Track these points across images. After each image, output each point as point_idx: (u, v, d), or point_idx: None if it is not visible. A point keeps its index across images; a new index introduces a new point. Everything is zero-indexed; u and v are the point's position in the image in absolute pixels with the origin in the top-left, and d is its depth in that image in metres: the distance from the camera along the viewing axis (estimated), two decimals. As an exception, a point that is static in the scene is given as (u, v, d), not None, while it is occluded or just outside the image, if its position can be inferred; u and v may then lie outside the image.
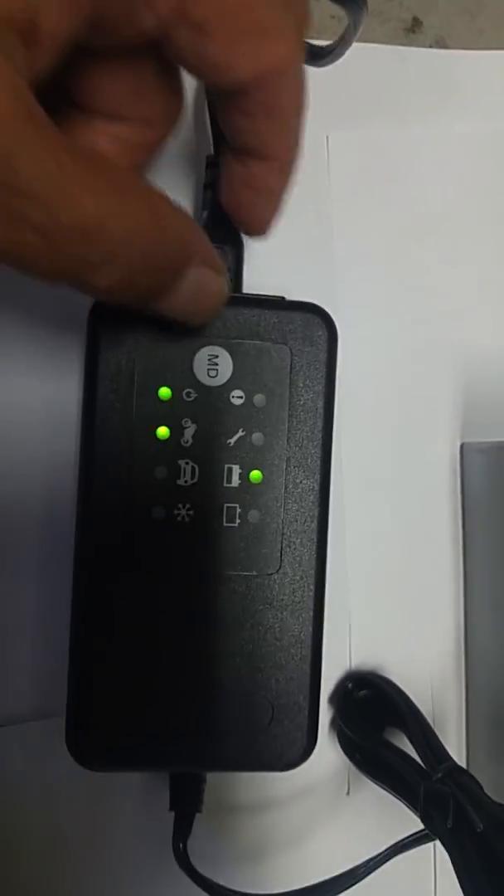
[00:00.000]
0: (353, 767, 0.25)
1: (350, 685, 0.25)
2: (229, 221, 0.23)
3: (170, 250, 0.16)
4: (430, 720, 0.25)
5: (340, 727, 0.25)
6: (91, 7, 0.13)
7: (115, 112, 0.17)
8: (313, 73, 0.24)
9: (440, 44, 0.27)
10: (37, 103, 0.13)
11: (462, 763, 0.26)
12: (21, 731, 0.24)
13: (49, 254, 0.14)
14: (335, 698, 0.25)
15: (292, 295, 0.25)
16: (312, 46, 0.23)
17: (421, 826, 0.20)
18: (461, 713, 0.26)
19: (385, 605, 0.26)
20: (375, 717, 0.25)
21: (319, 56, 0.21)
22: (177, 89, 0.18)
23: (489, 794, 0.20)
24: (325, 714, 0.25)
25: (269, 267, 0.25)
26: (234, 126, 0.17)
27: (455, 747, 0.26)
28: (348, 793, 0.25)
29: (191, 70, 0.16)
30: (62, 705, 0.21)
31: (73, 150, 0.14)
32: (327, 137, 0.26)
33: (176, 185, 0.25)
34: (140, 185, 0.16)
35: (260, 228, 0.20)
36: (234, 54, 0.15)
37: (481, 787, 0.19)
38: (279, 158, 0.18)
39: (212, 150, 0.23)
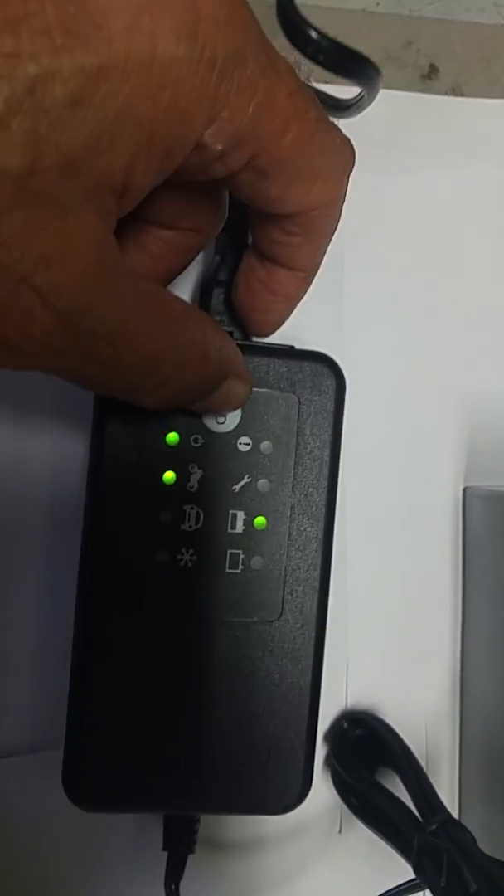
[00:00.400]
0: (345, 806, 0.25)
1: (345, 724, 0.26)
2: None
3: (211, 377, 0.18)
4: (423, 762, 0.25)
5: (334, 766, 0.25)
6: (174, 165, 0.14)
7: (169, 223, 0.18)
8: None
9: (456, 91, 0.27)
10: (118, 250, 0.14)
11: (454, 805, 0.26)
12: (17, 763, 0.24)
13: (107, 382, 0.16)
14: (330, 736, 0.26)
15: (300, 334, 0.25)
16: (333, 99, 0.23)
17: (413, 875, 0.20)
18: (455, 755, 0.26)
19: (383, 646, 0.26)
20: (369, 758, 0.25)
21: (340, 109, 0.21)
22: (222, 201, 0.19)
23: (480, 837, 0.20)
24: (319, 751, 0.25)
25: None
26: (270, 237, 0.19)
27: (448, 789, 0.26)
28: (340, 831, 0.26)
29: (243, 199, 0.17)
30: (59, 738, 0.21)
31: (140, 290, 0.15)
32: (342, 180, 0.26)
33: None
34: (192, 321, 0.17)
35: (268, 330, 0.22)
36: (288, 192, 0.17)
37: (475, 841, 0.19)
38: (305, 271, 0.20)
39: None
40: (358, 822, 0.24)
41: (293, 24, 0.16)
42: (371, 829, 0.22)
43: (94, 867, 0.24)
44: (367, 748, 0.25)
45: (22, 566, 0.24)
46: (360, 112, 0.21)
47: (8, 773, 0.24)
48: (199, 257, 0.25)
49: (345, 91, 0.23)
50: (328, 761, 0.26)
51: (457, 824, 0.19)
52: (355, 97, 0.21)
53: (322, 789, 0.25)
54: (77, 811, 0.21)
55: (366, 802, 0.22)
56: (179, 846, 0.22)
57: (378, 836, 0.22)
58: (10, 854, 0.24)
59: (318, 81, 0.25)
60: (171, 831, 0.22)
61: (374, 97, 0.19)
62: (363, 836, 0.24)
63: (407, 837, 0.20)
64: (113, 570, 0.21)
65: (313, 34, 0.16)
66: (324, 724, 0.26)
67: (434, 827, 0.19)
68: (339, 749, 0.25)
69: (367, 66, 0.17)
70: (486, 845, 0.20)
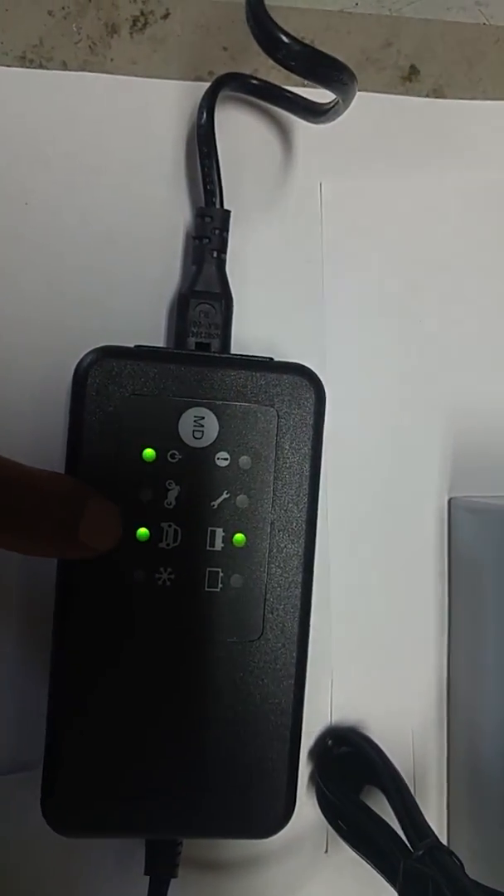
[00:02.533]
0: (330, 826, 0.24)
1: (330, 742, 0.25)
2: (218, 276, 0.23)
3: None
4: (410, 780, 0.25)
5: (319, 784, 0.25)
6: None
7: None
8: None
9: (438, 93, 0.26)
10: None
11: (443, 824, 0.26)
12: (-3, 784, 0.23)
13: None
14: (314, 754, 0.25)
15: (280, 344, 0.25)
16: (309, 103, 0.22)
17: (398, 898, 0.20)
18: (443, 772, 0.26)
19: (368, 660, 0.26)
20: (355, 775, 0.24)
21: (316, 114, 0.21)
22: None
23: (469, 861, 0.20)
24: (303, 769, 0.24)
25: (257, 316, 0.25)
26: None
27: (436, 808, 0.26)
28: (327, 851, 0.25)
29: None
30: (37, 758, 0.21)
31: None
32: (320, 185, 0.25)
33: (164, 237, 0.24)
34: None
35: None
36: None
37: (462, 867, 0.19)
38: None
39: (202, 203, 0.23)
40: (343, 842, 0.24)
41: (264, 29, 0.15)
42: (357, 853, 0.22)
43: (74, 891, 0.24)
44: (353, 766, 0.24)
45: (1, 585, 0.24)
46: (335, 118, 0.20)
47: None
48: (177, 267, 0.24)
49: (323, 95, 0.23)
50: (313, 779, 0.25)
51: (444, 850, 0.19)
52: (331, 102, 0.21)
53: (308, 808, 0.25)
54: (56, 834, 0.21)
55: (352, 825, 0.22)
56: (162, 870, 0.22)
57: (364, 860, 0.21)
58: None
59: (295, 85, 0.25)
60: (153, 855, 0.22)
61: (350, 103, 0.19)
62: (350, 857, 0.23)
63: (393, 863, 0.19)
64: (89, 590, 0.21)
65: (284, 38, 0.15)
66: (308, 741, 0.25)
67: (420, 853, 0.19)
68: (324, 767, 0.25)
69: (341, 71, 0.16)
70: (474, 869, 0.20)
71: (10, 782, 0.23)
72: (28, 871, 0.24)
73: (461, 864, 0.19)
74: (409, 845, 0.20)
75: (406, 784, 0.22)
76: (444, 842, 0.25)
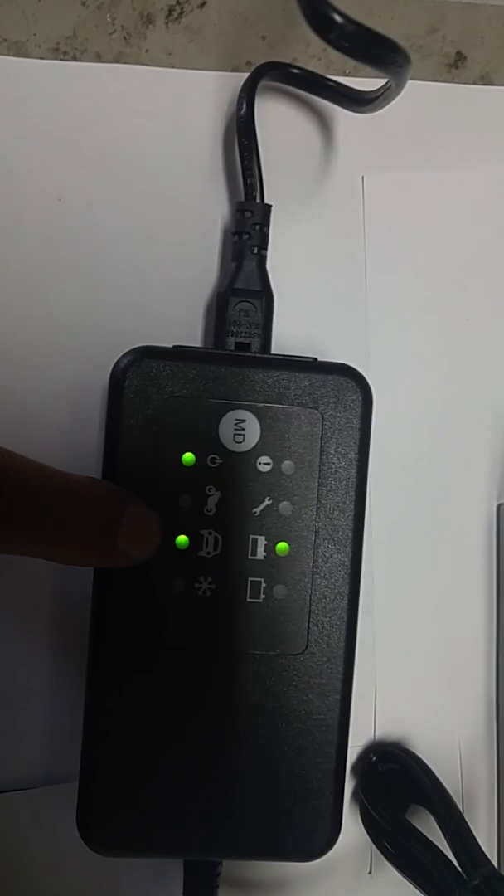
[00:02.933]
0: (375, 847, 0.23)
1: (374, 757, 0.24)
2: (258, 273, 0.22)
3: None
4: (458, 797, 0.24)
5: (363, 802, 0.24)
6: None
7: None
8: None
9: (485, 80, 0.25)
10: None
11: (493, 845, 0.24)
12: (30, 796, 0.23)
13: None
14: (358, 770, 0.24)
15: (323, 344, 0.24)
16: (353, 92, 0.21)
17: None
18: (492, 790, 0.25)
19: (413, 673, 0.25)
20: (400, 794, 0.23)
21: (362, 103, 0.20)
22: None
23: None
24: (347, 786, 0.23)
25: (299, 315, 0.24)
26: None
27: (485, 830, 0.24)
28: (370, 872, 0.24)
29: None
30: (73, 771, 0.20)
31: None
32: (362, 178, 0.24)
33: (202, 233, 0.23)
34: None
35: None
36: None
37: (521, 899, 0.18)
38: None
39: (242, 198, 0.22)
40: (391, 866, 0.23)
41: (316, 8, 0.14)
42: (406, 878, 0.21)
43: (110, 911, 0.23)
44: (398, 783, 0.23)
45: (34, 596, 0.23)
46: (385, 104, 0.19)
47: (21, 806, 0.23)
48: (215, 265, 0.23)
49: (366, 85, 0.22)
50: (356, 796, 0.24)
51: (502, 880, 0.18)
52: (380, 89, 0.20)
53: (351, 826, 0.24)
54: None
55: (400, 849, 0.21)
56: (200, 892, 0.21)
57: (413, 885, 0.20)
58: (23, 889, 0.23)
59: (336, 74, 0.24)
60: (191, 876, 0.21)
61: (402, 88, 0.18)
62: (396, 879, 0.22)
63: (446, 891, 0.18)
64: (127, 601, 0.20)
65: (338, 18, 0.14)
66: (351, 757, 0.24)
67: (476, 882, 0.18)
68: (368, 784, 0.24)
69: (396, 52, 0.15)
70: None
71: (43, 795, 0.23)
72: (62, 886, 0.23)
73: (520, 894, 0.18)
74: (462, 872, 0.19)
75: (457, 805, 0.21)
76: (496, 866, 0.24)
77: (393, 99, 0.19)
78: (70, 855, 0.23)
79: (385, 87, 0.18)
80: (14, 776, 0.23)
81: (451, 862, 0.19)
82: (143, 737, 0.20)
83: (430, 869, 0.19)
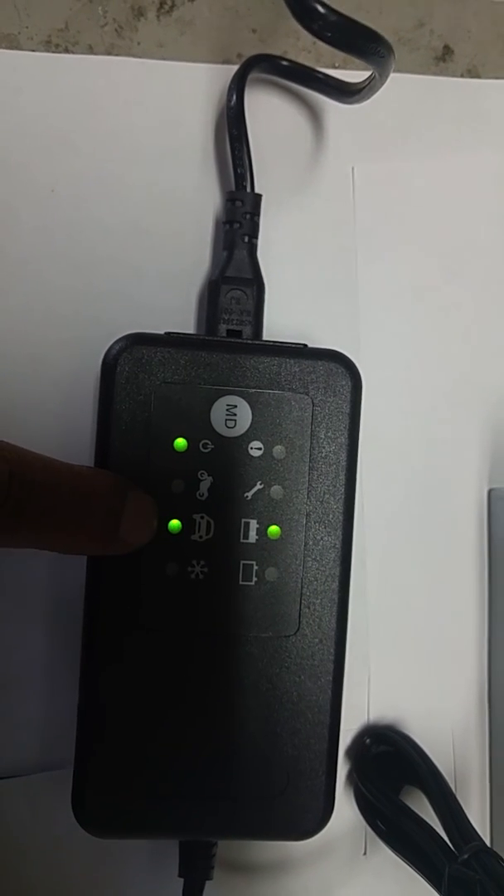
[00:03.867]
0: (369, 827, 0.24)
1: (368, 740, 0.24)
2: (249, 261, 0.22)
3: None
4: (451, 779, 0.24)
5: (357, 784, 0.24)
6: None
7: None
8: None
9: (472, 73, 0.25)
10: None
11: (485, 824, 0.25)
12: (27, 783, 0.23)
13: None
14: (352, 753, 0.25)
15: (314, 332, 0.24)
16: (341, 83, 0.22)
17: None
18: (484, 771, 0.25)
19: (406, 657, 0.25)
20: (394, 775, 0.24)
21: (349, 94, 0.20)
22: None
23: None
24: (341, 769, 0.24)
25: (289, 303, 0.24)
26: None
27: (478, 809, 0.25)
28: (365, 853, 0.24)
29: None
30: (69, 757, 0.21)
31: None
32: (353, 169, 0.25)
33: (194, 223, 0.24)
34: None
35: None
36: None
37: (509, 872, 0.18)
38: None
39: (233, 188, 0.22)
40: (384, 844, 0.23)
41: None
42: (398, 856, 0.21)
43: (106, 893, 0.23)
44: (392, 765, 0.24)
45: (31, 583, 0.23)
46: (370, 95, 0.20)
47: (18, 793, 0.23)
48: (207, 253, 0.24)
49: (355, 77, 0.22)
50: (351, 779, 0.24)
51: (491, 854, 0.18)
52: (366, 80, 0.20)
53: (345, 808, 0.24)
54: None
55: (393, 827, 0.21)
56: (196, 872, 0.21)
57: (406, 863, 0.20)
58: (20, 876, 0.23)
59: (326, 66, 0.24)
60: (187, 857, 0.21)
61: (386, 78, 0.18)
62: (390, 859, 0.23)
63: (437, 867, 0.19)
64: (121, 586, 0.20)
65: (320, 8, 0.14)
66: (345, 740, 0.24)
67: (466, 856, 0.18)
68: (362, 766, 0.24)
69: (379, 43, 0.16)
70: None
71: (38, 781, 0.23)
72: (59, 871, 0.23)
73: (509, 868, 0.19)
74: (453, 848, 0.19)
75: (449, 785, 0.21)
76: (488, 844, 0.24)
77: (378, 89, 0.19)
78: (66, 840, 0.23)
79: (370, 78, 0.19)
80: (10, 763, 0.23)
81: (442, 838, 0.20)
82: (137, 719, 0.20)
83: (423, 845, 0.20)
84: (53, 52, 0.24)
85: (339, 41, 0.15)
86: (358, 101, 0.21)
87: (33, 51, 0.23)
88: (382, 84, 0.18)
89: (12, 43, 0.23)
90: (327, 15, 0.14)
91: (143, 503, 0.19)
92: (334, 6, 0.25)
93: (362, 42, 0.15)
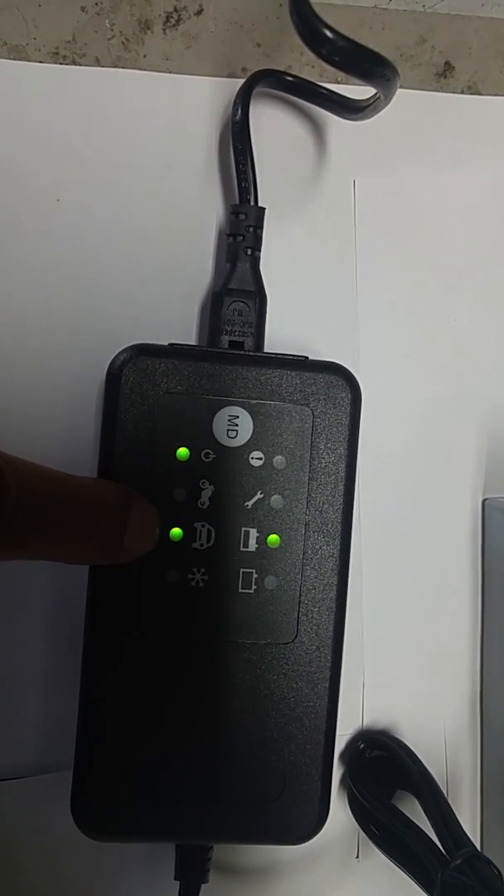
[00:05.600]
0: (362, 831, 0.24)
1: (361, 745, 0.25)
2: (252, 274, 0.23)
3: None
4: (444, 784, 0.25)
5: (351, 788, 0.24)
6: None
7: None
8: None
9: (472, 89, 0.26)
10: None
11: (476, 830, 0.25)
12: (25, 785, 0.23)
13: None
14: (346, 757, 0.25)
15: (314, 343, 0.25)
16: (345, 100, 0.22)
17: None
18: (476, 777, 0.26)
19: (400, 663, 0.25)
20: (387, 780, 0.24)
21: (353, 111, 0.21)
22: None
23: (503, 866, 0.19)
24: (335, 773, 0.24)
25: (292, 315, 0.24)
26: None
27: (469, 814, 0.25)
28: (358, 857, 0.25)
29: None
30: (68, 759, 0.21)
31: None
32: (354, 182, 0.25)
33: (197, 235, 0.24)
34: None
35: None
36: None
37: (501, 877, 0.19)
38: None
39: (236, 201, 0.23)
40: (377, 849, 0.23)
41: (308, 24, 0.15)
42: (391, 860, 0.21)
43: (103, 895, 0.24)
44: (385, 770, 0.24)
45: (30, 586, 0.23)
46: (375, 114, 0.20)
47: (16, 795, 0.23)
48: (210, 265, 0.24)
49: (358, 91, 0.23)
50: (344, 783, 0.25)
51: (482, 860, 0.18)
52: (370, 98, 0.20)
53: (339, 812, 0.24)
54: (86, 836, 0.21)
55: (386, 832, 0.22)
56: (192, 875, 0.22)
57: (398, 867, 0.21)
58: (18, 878, 0.23)
59: (329, 81, 0.24)
60: (183, 860, 0.22)
61: (391, 99, 0.18)
62: (382, 863, 0.23)
63: (429, 872, 0.19)
64: (122, 591, 0.20)
65: (329, 34, 0.15)
66: (340, 745, 0.25)
67: (458, 862, 0.18)
68: (356, 771, 0.24)
69: (384, 66, 0.16)
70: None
71: (37, 784, 0.23)
72: (56, 873, 0.24)
73: (500, 873, 0.19)
74: (445, 853, 0.20)
75: (441, 790, 0.22)
76: (478, 849, 0.24)
77: (382, 109, 0.19)
78: (64, 843, 0.23)
79: (374, 98, 0.19)
80: (9, 765, 0.23)
81: (434, 844, 0.20)
82: (136, 724, 0.20)
83: (415, 850, 0.20)
84: (61, 63, 0.24)
85: (346, 65, 0.15)
86: (362, 118, 0.21)
87: (41, 62, 0.24)
88: (387, 104, 0.19)
89: (20, 54, 0.24)
90: (336, 40, 0.15)
91: (146, 514, 0.19)
92: (339, 20, 0.25)
93: (369, 66, 0.16)
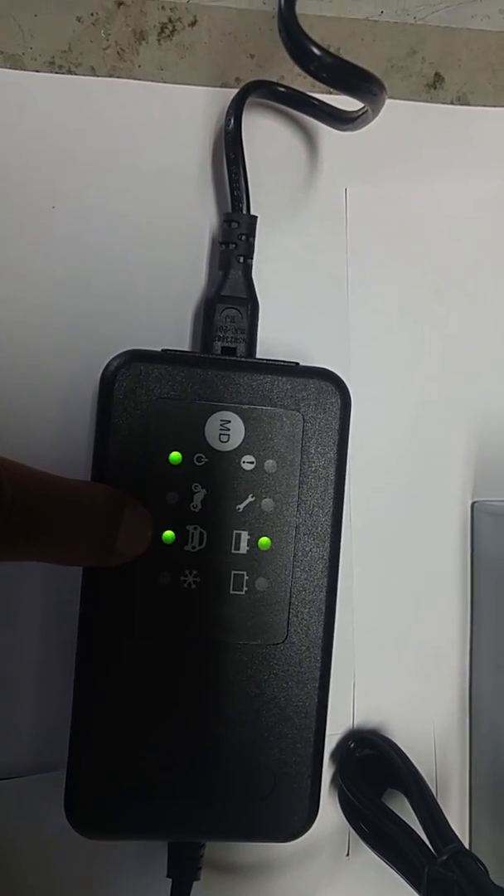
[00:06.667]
0: (352, 829, 0.24)
1: (352, 744, 0.25)
2: (244, 281, 0.23)
3: None
4: (432, 783, 0.25)
5: (341, 787, 0.25)
6: None
7: None
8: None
9: (462, 100, 0.26)
10: None
11: (464, 828, 0.26)
12: (19, 784, 0.24)
13: None
14: (337, 756, 0.25)
15: (306, 349, 0.25)
16: (336, 111, 0.23)
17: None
18: (465, 776, 0.26)
19: (390, 664, 0.26)
20: (377, 778, 0.24)
21: (343, 121, 0.21)
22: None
23: (491, 865, 0.20)
24: (325, 772, 0.24)
25: (283, 321, 0.25)
26: None
27: (458, 812, 0.26)
28: (348, 854, 0.25)
29: None
30: (62, 759, 0.21)
31: None
32: (346, 190, 0.26)
33: (190, 242, 0.24)
34: None
35: None
36: None
37: (486, 872, 0.19)
38: None
39: (229, 209, 0.23)
40: (366, 846, 0.24)
41: (296, 42, 0.15)
42: (380, 857, 0.22)
43: (96, 893, 0.24)
44: (375, 768, 0.25)
45: (25, 587, 0.24)
46: (364, 125, 0.21)
47: (10, 795, 0.24)
48: (203, 272, 0.24)
49: (349, 102, 0.23)
50: (335, 782, 0.25)
51: (468, 855, 0.19)
52: (358, 110, 0.21)
53: (329, 811, 0.25)
54: (79, 835, 0.21)
55: (375, 829, 0.22)
56: (184, 873, 0.22)
57: (387, 864, 0.21)
58: (11, 877, 0.24)
59: (321, 92, 0.25)
60: (175, 858, 0.22)
61: (379, 112, 0.19)
62: (372, 860, 0.23)
63: (417, 868, 0.19)
64: (115, 593, 0.21)
65: (316, 51, 0.15)
66: (330, 744, 0.25)
67: (445, 858, 0.19)
68: (346, 769, 0.25)
69: (371, 82, 0.16)
70: (497, 874, 0.20)
71: (31, 783, 0.24)
72: (49, 872, 0.24)
73: (486, 869, 0.19)
74: (432, 850, 0.20)
75: (429, 788, 0.22)
76: (466, 847, 0.25)
77: (370, 121, 0.20)
78: (57, 842, 0.23)
79: (362, 110, 0.20)
80: (3, 765, 0.24)
81: (422, 840, 0.21)
82: (129, 724, 0.21)
83: (403, 847, 0.21)
84: (57, 72, 0.24)
85: (333, 81, 0.16)
86: (351, 129, 0.21)
87: (37, 71, 0.24)
88: (375, 117, 0.19)
89: (17, 63, 0.24)
90: (323, 57, 0.15)
91: (138, 516, 0.20)
92: (331, 31, 0.25)
93: (356, 81, 0.16)
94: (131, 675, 0.21)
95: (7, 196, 0.24)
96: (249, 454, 0.21)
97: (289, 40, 0.15)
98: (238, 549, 0.21)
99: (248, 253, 0.23)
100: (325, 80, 0.16)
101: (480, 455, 0.26)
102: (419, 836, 0.21)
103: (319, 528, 0.21)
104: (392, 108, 0.25)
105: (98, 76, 0.24)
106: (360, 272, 0.26)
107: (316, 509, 0.21)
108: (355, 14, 0.26)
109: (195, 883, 0.22)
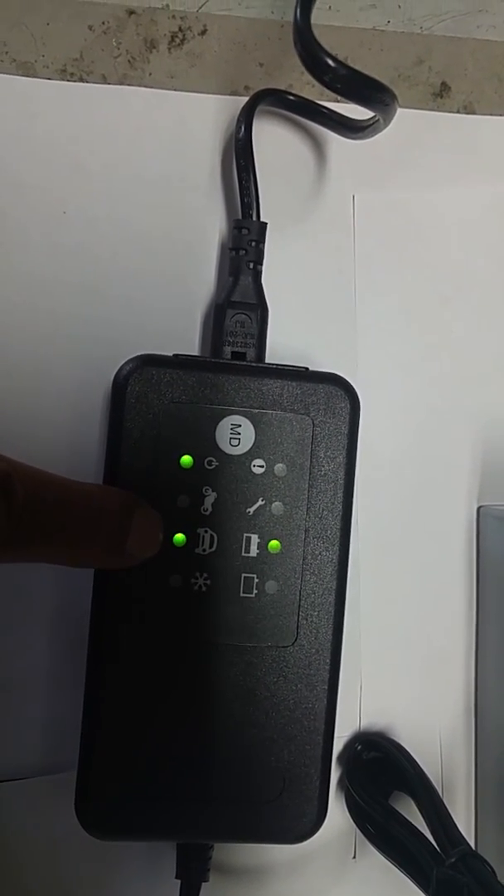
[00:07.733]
0: (359, 831, 0.25)
1: (359, 747, 0.25)
2: (254, 287, 0.23)
3: None
4: (439, 785, 0.25)
5: (348, 789, 0.25)
6: None
7: None
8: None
9: (468, 109, 0.27)
10: None
11: (471, 829, 0.26)
12: (29, 785, 0.24)
13: None
14: (344, 758, 0.25)
15: (314, 354, 0.25)
16: (345, 119, 0.23)
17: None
18: (471, 778, 0.26)
19: (396, 666, 0.26)
20: (384, 781, 0.25)
21: (353, 130, 0.21)
22: None
23: (498, 866, 0.20)
24: (333, 774, 0.25)
25: (292, 327, 0.25)
26: None
27: (464, 813, 0.26)
28: (355, 857, 0.25)
29: None
30: (71, 760, 0.21)
31: None
32: (354, 197, 0.26)
33: (201, 248, 0.25)
34: None
35: None
36: None
37: (495, 874, 0.19)
38: None
39: (239, 216, 0.23)
40: (374, 848, 0.24)
41: (311, 53, 0.16)
42: (387, 859, 0.22)
43: (105, 894, 0.24)
44: (382, 771, 0.25)
45: (35, 589, 0.24)
46: (374, 134, 0.21)
47: (20, 796, 0.24)
48: (213, 278, 0.25)
49: (356, 110, 0.23)
50: (342, 784, 0.25)
51: (477, 857, 0.19)
52: (370, 119, 0.21)
53: (336, 813, 0.25)
54: (90, 836, 0.21)
55: (382, 831, 0.22)
56: (193, 874, 0.22)
57: (395, 866, 0.21)
58: (21, 877, 0.24)
59: (330, 100, 0.25)
60: (184, 859, 0.22)
61: (390, 122, 0.19)
62: (379, 862, 0.24)
63: (425, 870, 0.20)
64: (126, 595, 0.21)
65: (331, 63, 0.15)
66: (337, 746, 0.25)
67: (453, 860, 0.19)
68: (353, 772, 0.25)
69: (383, 93, 0.17)
70: (504, 875, 0.20)
71: (41, 784, 0.24)
72: (59, 872, 0.24)
73: (494, 870, 0.20)
74: (440, 852, 0.20)
75: (437, 790, 0.22)
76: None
77: (381, 131, 0.20)
78: (66, 843, 0.24)
79: (374, 119, 0.20)
80: (11, 766, 0.24)
81: (430, 842, 0.21)
82: (140, 725, 0.21)
83: (411, 849, 0.21)
84: (68, 80, 0.24)
85: (347, 92, 0.16)
86: (361, 138, 0.22)
87: (49, 79, 0.24)
88: (386, 127, 0.20)
89: (29, 71, 0.24)
90: (337, 68, 0.15)
91: (149, 519, 0.20)
92: (339, 41, 0.26)
93: (369, 92, 0.16)
94: (142, 676, 0.21)
95: (19, 202, 0.24)
96: (259, 458, 0.21)
97: (304, 52, 0.16)
98: (248, 552, 0.21)
99: (258, 259, 0.23)
100: (339, 90, 0.16)
101: (486, 459, 0.27)
102: (426, 838, 0.21)
103: (329, 532, 0.22)
104: (399, 117, 0.25)
105: (109, 84, 0.25)
106: (368, 278, 0.26)
107: (325, 513, 0.22)
108: (363, 24, 0.26)
109: (204, 884, 0.22)
